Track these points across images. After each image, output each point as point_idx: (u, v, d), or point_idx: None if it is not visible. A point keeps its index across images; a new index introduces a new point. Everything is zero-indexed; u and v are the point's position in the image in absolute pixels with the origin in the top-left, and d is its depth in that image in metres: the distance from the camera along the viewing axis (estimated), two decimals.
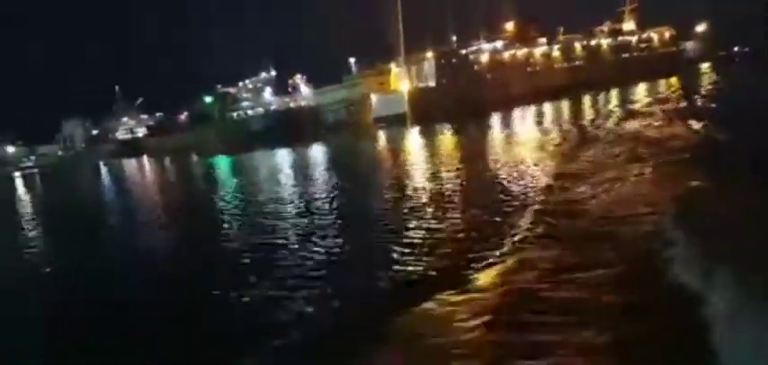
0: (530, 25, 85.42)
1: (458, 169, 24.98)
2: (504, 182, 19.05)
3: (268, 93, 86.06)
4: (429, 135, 50.24)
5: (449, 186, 20.50)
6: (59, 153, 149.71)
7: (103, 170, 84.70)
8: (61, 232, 25.55)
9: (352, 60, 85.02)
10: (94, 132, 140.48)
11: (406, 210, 16.81)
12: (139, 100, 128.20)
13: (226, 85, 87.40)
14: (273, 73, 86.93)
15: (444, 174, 23.49)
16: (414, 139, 50.23)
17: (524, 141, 33.12)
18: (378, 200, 19.99)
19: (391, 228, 14.64)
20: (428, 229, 13.85)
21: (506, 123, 49.92)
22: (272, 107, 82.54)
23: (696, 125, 25.48)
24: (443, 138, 45.29)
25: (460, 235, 12.87)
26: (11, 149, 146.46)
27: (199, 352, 8.79)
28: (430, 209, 16.37)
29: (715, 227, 9.36)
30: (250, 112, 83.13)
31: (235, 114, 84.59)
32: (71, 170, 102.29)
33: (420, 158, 33.59)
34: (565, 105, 60.36)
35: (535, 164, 22.23)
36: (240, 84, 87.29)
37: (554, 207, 14.34)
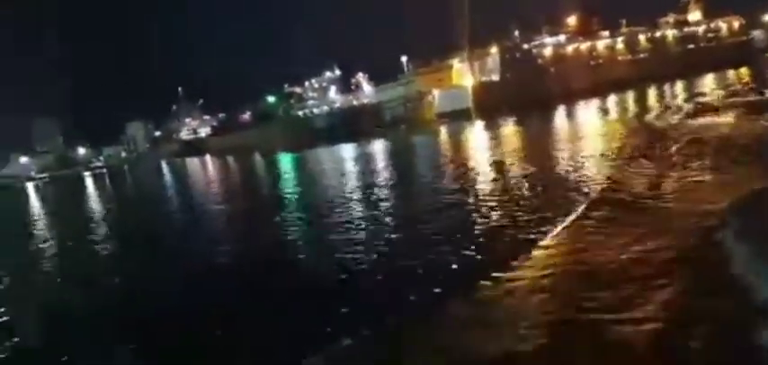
0: (592, 19, 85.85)
1: (527, 163, 25.53)
2: (569, 173, 20.18)
3: (333, 92, 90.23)
4: (495, 128, 51.04)
5: (521, 178, 21.31)
6: (123, 154, 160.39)
7: (166, 168, 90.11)
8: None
9: (403, 59, 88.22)
10: (157, 133, 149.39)
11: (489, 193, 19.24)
12: (200, 101, 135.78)
13: (292, 85, 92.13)
14: (338, 72, 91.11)
15: (518, 168, 24.25)
16: (482, 133, 51.28)
17: (589, 134, 33.59)
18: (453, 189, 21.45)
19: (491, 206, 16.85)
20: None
21: (571, 117, 50.65)
22: (337, 105, 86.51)
23: None
24: (511, 132, 45.96)
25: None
26: (82, 151, 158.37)
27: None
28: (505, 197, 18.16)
29: None
30: (315, 111, 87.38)
31: (300, 112, 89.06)
32: (138, 169, 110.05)
33: (495, 151, 34.34)
34: (629, 98, 60.53)
35: (598, 156, 23.03)
36: (306, 83, 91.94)
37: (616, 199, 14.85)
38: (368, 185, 27.28)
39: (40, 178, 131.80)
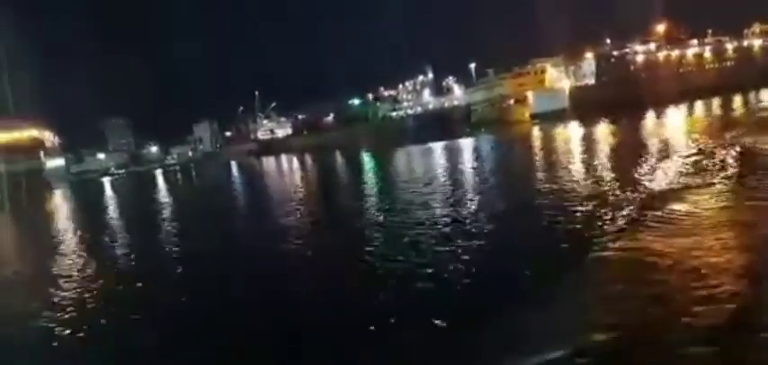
0: (679, 28, 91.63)
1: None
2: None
3: (427, 94, 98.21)
4: (594, 128, 53.88)
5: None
6: (189, 153, 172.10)
7: (235, 166, 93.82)
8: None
9: (473, 65, 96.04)
10: (227, 134, 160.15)
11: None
12: (273, 104, 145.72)
13: (387, 88, 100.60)
14: (431, 75, 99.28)
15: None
16: (590, 133, 52.16)
17: (681, 134, 35.68)
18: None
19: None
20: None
21: (664, 120, 53.08)
22: (430, 106, 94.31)
23: None
24: (614, 132, 47.42)
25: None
26: (154, 149, 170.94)
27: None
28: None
29: None
30: (409, 111, 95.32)
31: (393, 113, 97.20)
32: (206, 167, 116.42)
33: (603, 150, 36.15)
34: (716, 105, 63.86)
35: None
36: (400, 86, 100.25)
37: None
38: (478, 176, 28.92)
39: (118, 174, 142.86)
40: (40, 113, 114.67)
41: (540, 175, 26.12)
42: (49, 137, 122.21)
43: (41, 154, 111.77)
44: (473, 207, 19.32)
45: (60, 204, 61.78)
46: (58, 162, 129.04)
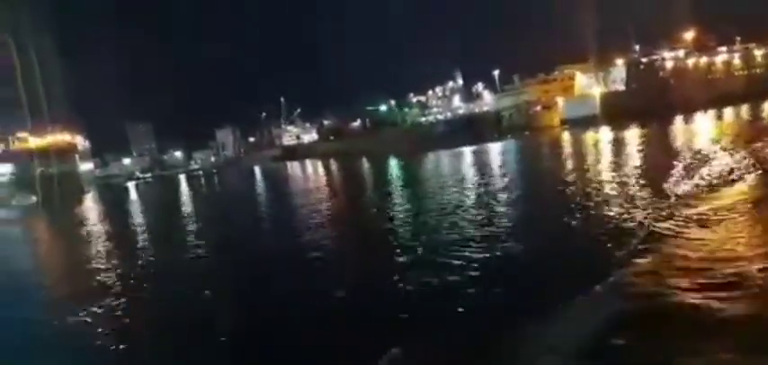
0: (708, 35, 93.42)
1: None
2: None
3: (457, 100, 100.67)
4: (625, 133, 54.44)
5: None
6: (212, 158, 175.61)
7: (258, 171, 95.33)
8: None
9: (497, 72, 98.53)
10: (251, 139, 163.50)
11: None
12: (297, 110, 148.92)
13: (416, 94, 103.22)
14: (460, 81, 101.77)
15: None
16: (622, 137, 52.51)
17: (710, 140, 36.41)
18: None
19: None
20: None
21: (693, 126, 53.68)
22: (460, 112, 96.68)
23: None
24: (645, 137, 48.57)
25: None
26: (178, 154, 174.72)
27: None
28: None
29: None
30: (439, 117, 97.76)
31: (423, 119, 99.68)
32: (228, 172, 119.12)
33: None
34: (745, 111, 64.02)
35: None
36: (430, 92, 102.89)
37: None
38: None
39: (144, 178, 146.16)
40: (69, 117, 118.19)
41: (576, 176, 27.26)
42: (80, 141, 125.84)
43: (76, 157, 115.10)
44: (528, 208, 20.60)
45: (107, 205, 63.49)
46: (88, 166, 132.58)
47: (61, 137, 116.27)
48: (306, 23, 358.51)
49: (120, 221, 39.28)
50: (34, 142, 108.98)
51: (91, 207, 62.34)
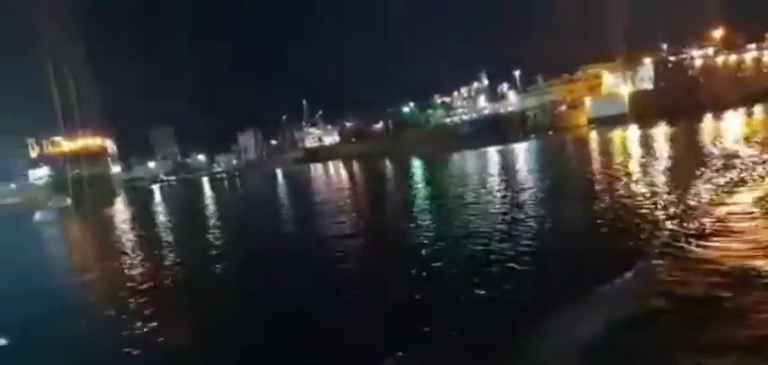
0: (737, 33, 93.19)
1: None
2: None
3: (482, 101, 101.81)
4: (654, 131, 56.07)
5: None
6: (234, 161, 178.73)
7: (280, 174, 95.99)
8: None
9: (518, 73, 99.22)
10: (273, 142, 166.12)
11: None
12: (319, 112, 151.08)
13: (441, 95, 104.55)
14: (486, 82, 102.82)
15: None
16: (651, 136, 52.99)
17: (740, 138, 36.86)
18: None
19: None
20: None
21: (723, 124, 53.23)
22: (486, 112, 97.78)
23: None
24: (674, 135, 49.67)
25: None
26: (201, 157, 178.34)
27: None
28: None
29: None
30: (464, 117, 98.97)
31: (448, 120, 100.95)
32: (251, 175, 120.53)
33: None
34: None
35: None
36: (455, 93, 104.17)
37: None
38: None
39: (168, 181, 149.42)
40: (98, 122, 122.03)
41: (608, 174, 27.52)
42: (110, 145, 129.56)
43: (109, 160, 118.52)
44: (560, 207, 20.89)
45: (140, 208, 63.56)
46: (116, 169, 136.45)
47: (93, 141, 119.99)
48: (328, 25, 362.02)
49: (161, 224, 40.29)
50: (68, 146, 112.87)
51: (125, 209, 64.00)
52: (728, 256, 11.04)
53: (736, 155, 26.03)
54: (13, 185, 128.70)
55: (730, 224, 13.52)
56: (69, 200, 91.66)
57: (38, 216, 59.03)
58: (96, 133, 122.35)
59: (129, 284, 17.73)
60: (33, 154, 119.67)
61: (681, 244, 12.43)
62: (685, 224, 14.23)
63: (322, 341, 10.48)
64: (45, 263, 27.96)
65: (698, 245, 12.14)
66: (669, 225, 14.50)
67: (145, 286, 17.22)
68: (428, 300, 11.77)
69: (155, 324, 12.83)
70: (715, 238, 12.55)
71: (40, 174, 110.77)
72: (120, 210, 62.21)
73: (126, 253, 24.74)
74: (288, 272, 16.72)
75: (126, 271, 20.51)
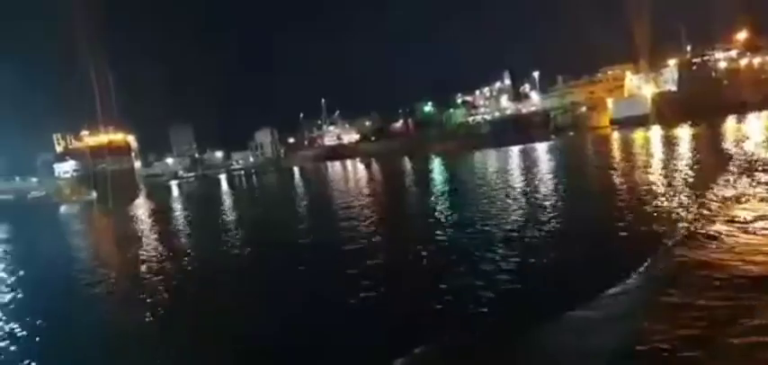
0: (761, 36, 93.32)
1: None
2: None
3: (505, 100, 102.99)
4: (677, 132, 57.43)
5: None
6: (251, 159, 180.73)
7: (297, 172, 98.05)
8: None
9: (537, 74, 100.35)
10: (291, 140, 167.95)
11: None
12: (337, 112, 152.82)
13: (464, 94, 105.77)
14: (508, 82, 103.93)
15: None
16: (674, 137, 53.74)
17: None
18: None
19: None
20: None
21: (748, 126, 53.44)
22: (508, 112, 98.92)
23: None
24: (698, 136, 51.45)
25: None
26: (218, 154, 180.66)
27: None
28: None
29: None
30: (486, 117, 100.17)
31: (470, 119, 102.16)
32: (268, 172, 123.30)
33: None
34: None
35: None
36: (477, 92, 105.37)
37: None
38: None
39: (186, 177, 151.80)
40: (119, 118, 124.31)
41: (632, 174, 29.23)
42: (132, 141, 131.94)
43: (132, 155, 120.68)
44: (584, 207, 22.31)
45: (163, 203, 64.53)
46: (137, 164, 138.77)
47: (118, 136, 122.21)
48: (348, 24, 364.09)
49: (183, 219, 42.08)
50: (93, 141, 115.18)
51: (147, 204, 65.69)
52: (746, 260, 11.38)
53: (758, 158, 27.09)
54: (34, 179, 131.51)
55: (746, 224, 14.18)
56: (94, 194, 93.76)
57: (64, 208, 60.72)
58: (119, 128, 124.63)
59: (154, 277, 19.40)
60: (59, 148, 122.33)
61: (698, 241, 13.31)
62: (700, 221, 15.24)
63: (339, 337, 11.26)
64: (78, 253, 29.80)
65: (713, 241, 13.03)
66: (686, 218, 15.92)
67: (173, 281, 18.73)
68: (450, 292, 12.56)
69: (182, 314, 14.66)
70: (730, 237, 13.24)
71: (66, 168, 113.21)
72: (143, 205, 63.85)
73: (150, 247, 26.63)
74: (304, 270, 17.64)
75: (151, 263, 21.98)
